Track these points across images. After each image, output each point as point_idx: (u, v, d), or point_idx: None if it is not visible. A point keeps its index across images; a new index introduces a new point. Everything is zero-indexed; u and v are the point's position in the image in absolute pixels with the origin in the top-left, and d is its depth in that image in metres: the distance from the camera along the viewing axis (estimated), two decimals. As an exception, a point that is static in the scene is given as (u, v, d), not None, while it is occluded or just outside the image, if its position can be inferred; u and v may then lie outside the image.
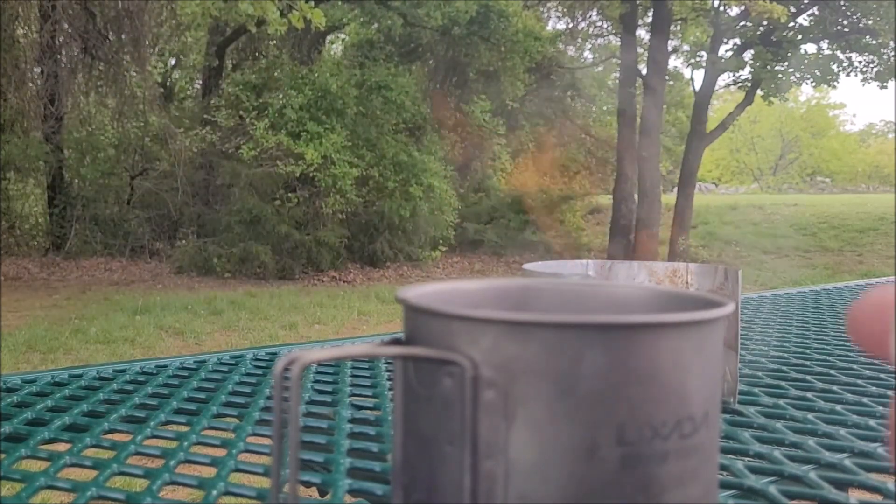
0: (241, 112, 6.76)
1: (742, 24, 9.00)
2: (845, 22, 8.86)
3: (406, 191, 6.80)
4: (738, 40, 9.37)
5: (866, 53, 9.01)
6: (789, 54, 8.88)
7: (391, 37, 8.18)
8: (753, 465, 0.42)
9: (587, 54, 11.01)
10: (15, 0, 5.86)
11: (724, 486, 0.38)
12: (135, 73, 6.66)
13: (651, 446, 0.24)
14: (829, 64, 9.04)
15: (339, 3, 8.19)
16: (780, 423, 0.49)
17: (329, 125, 6.53)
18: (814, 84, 9.62)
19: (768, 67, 8.85)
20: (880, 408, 0.53)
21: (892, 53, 8.86)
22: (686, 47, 10.47)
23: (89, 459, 0.43)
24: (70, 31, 6.43)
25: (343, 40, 9.82)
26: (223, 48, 7.69)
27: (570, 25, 10.34)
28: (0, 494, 0.40)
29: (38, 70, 6.48)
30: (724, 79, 9.90)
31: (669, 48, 9.12)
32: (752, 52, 9.11)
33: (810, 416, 0.51)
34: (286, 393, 0.24)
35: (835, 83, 9.26)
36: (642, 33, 9.27)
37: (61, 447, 0.45)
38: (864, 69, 9.20)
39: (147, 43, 6.77)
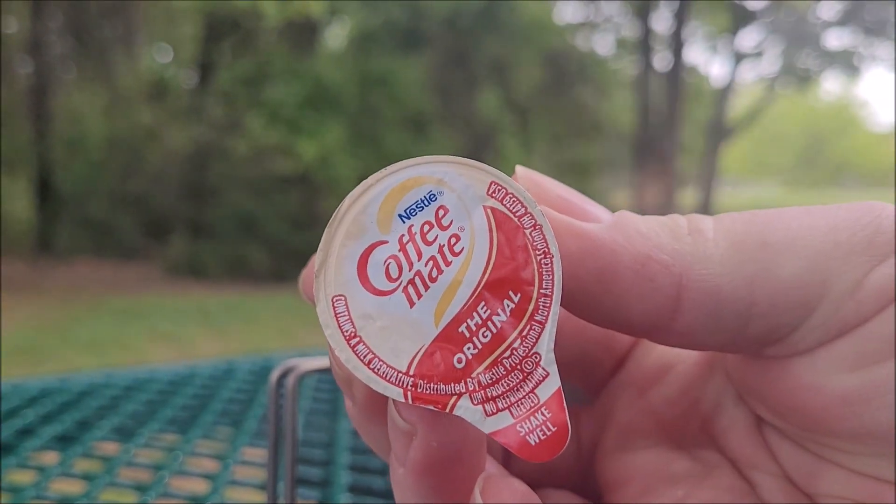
0: (236, 108, 6.72)
1: (766, 17, 8.99)
2: (871, 17, 8.84)
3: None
4: (761, 33, 9.37)
5: (893, 47, 8.98)
6: (814, 47, 8.87)
7: (395, 28, 8.12)
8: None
9: (603, 47, 10.89)
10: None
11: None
12: (126, 68, 6.64)
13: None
14: (854, 58, 9.03)
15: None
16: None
17: (329, 120, 6.49)
18: (839, 78, 9.64)
19: (792, 61, 8.85)
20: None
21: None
22: (707, 41, 10.41)
23: (80, 471, 0.42)
24: (61, 24, 6.40)
25: (345, 33, 9.76)
26: (218, 42, 7.64)
27: (586, 17, 10.24)
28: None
29: (27, 66, 6.45)
30: (747, 73, 9.89)
31: (690, 41, 9.10)
32: (776, 45, 9.12)
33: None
34: (282, 402, 0.23)
35: (860, 77, 9.27)
36: (661, 26, 9.25)
37: (51, 458, 0.44)
38: (891, 63, 9.17)
39: (139, 37, 6.75)
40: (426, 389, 0.13)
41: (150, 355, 3.72)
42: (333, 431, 0.49)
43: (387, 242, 0.14)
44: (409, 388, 0.13)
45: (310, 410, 0.54)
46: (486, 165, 0.14)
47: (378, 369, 0.14)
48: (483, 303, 0.13)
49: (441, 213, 0.14)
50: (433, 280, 0.14)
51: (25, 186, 7.17)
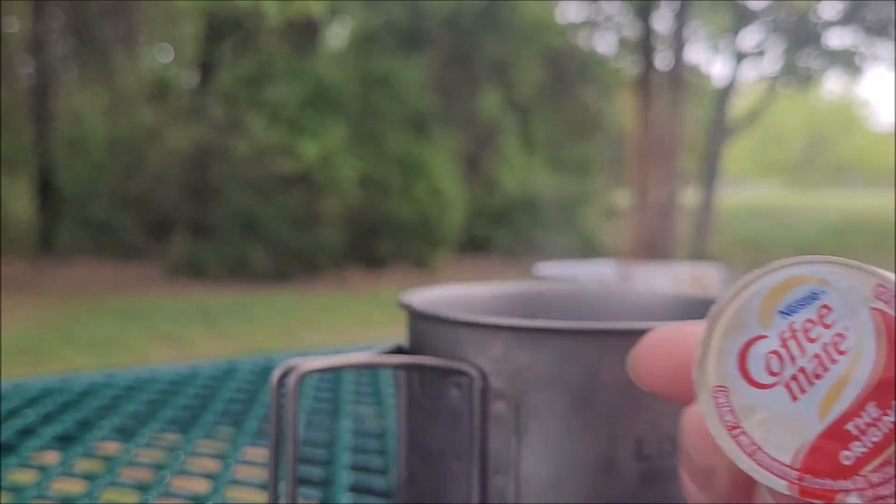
0: (237, 108, 6.71)
1: (768, 16, 8.98)
2: (873, 16, 8.83)
3: (411, 190, 6.75)
4: (763, 33, 9.36)
5: (894, 47, 8.97)
6: (816, 47, 8.87)
7: (396, 28, 8.11)
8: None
9: (604, 47, 10.84)
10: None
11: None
12: (127, 69, 6.65)
13: (672, 460, 0.23)
14: (856, 57, 9.02)
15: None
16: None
17: (329, 120, 6.48)
18: (841, 77, 9.61)
19: (794, 61, 8.83)
20: None
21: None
22: (709, 40, 10.38)
23: (81, 471, 0.42)
24: (62, 24, 6.41)
25: (346, 33, 9.76)
26: (219, 42, 7.63)
27: (587, 16, 10.21)
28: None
29: (29, 67, 6.46)
30: (749, 72, 9.87)
31: (691, 41, 9.06)
32: (777, 44, 9.11)
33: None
34: (283, 401, 0.23)
35: (862, 77, 9.26)
36: (663, 26, 9.21)
37: (52, 458, 0.44)
38: (892, 63, 9.16)
39: (140, 36, 6.76)
40: (813, 483, 0.14)
41: (150, 355, 3.72)
42: (334, 431, 0.49)
43: (767, 337, 0.14)
44: (795, 480, 0.14)
45: (311, 410, 0.54)
46: (869, 266, 0.14)
47: (761, 461, 0.14)
48: (873, 403, 0.14)
49: (824, 311, 0.14)
50: (817, 377, 0.14)
51: (26, 186, 7.18)
